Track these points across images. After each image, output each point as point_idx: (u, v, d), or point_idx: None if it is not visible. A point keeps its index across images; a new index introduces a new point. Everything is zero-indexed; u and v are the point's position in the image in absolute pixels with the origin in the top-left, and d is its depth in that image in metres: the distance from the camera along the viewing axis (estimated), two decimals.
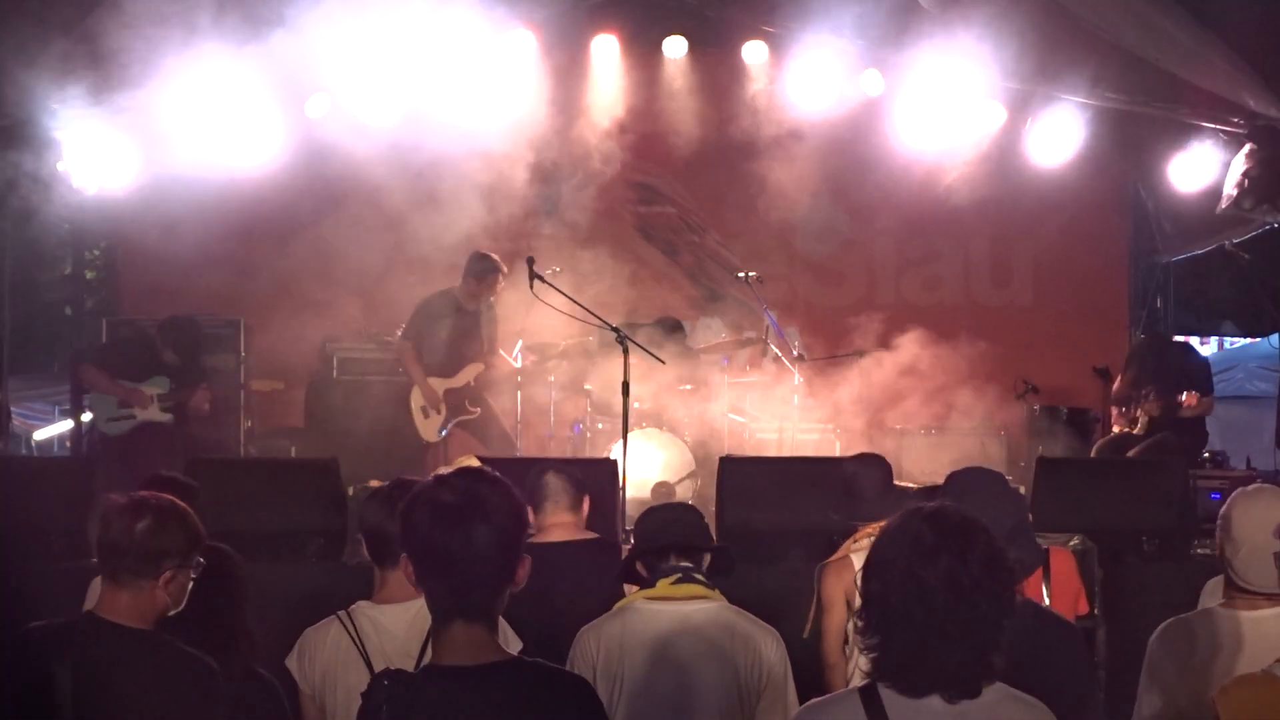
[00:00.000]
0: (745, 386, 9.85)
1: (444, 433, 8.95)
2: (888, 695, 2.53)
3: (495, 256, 9.02)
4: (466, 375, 9.00)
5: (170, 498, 3.36)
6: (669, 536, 4.12)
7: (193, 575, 3.30)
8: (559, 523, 5.05)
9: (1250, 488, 3.72)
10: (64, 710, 3.02)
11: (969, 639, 2.49)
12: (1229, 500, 3.68)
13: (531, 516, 5.09)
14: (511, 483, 2.60)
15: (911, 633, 2.50)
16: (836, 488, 5.23)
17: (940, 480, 3.85)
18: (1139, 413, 8.89)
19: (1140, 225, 11.72)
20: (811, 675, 4.37)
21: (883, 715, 2.52)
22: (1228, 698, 3.02)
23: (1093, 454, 9.15)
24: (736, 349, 9.95)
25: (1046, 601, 4.43)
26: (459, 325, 8.98)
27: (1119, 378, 9.35)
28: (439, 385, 8.92)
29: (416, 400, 8.92)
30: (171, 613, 3.27)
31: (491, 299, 9.07)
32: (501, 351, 9.24)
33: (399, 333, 9.34)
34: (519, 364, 9.44)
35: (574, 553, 4.92)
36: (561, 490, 5.09)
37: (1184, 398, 8.53)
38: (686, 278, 11.55)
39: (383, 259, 9.82)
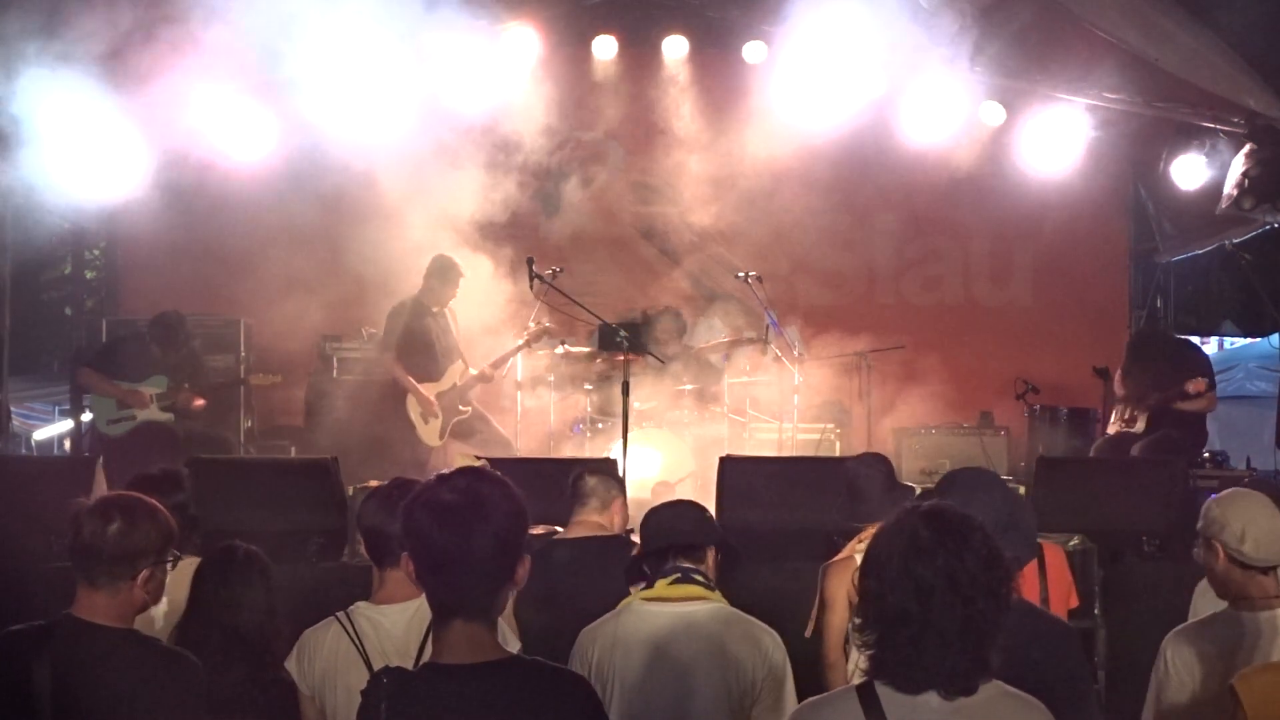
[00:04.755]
0: (745, 386, 9.85)
1: (444, 437, 8.95)
2: (885, 692, 2.54)
3: (454, 258, 9.02)
4: (452, 376, 9.03)
5: (138, 496, 3.35)
6: (667, 538, 4.11)
7: (169, 570, 3.30)
8: (580, 520, 5.11)
9: (1226, 493, 3.82)
10: (43, 711, 3.02)
11: (965, 636, 2.50)
12: (1207, 507, 3.77)
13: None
14: (513, 482, 2.60)
15: (908, 630, 2.51)
16: (837, 488, 5.21)
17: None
18: (1139, 410, 8.85)
19: (1140, 225, 11.73)
20: (811, 675, 4.37)
21: (880, 712, 2.52)
22: (1248, 684, 3.01)
23: (1092, 454, 9.13)
24: (736, 349, 9.95)
25: (1045, 596, 4.43)
26: (433, 329, 9.00)
27: (1120, 373, 9.31)
28: (430, 390, 8.92)
29: (414, 408, 8.90)
30: (151, 609, 3.27)
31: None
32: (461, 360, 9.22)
33: (378, 346, 9.29)
34: (518, 367, 9.45)
35: (589, 549, 4.96)
36: (590, 492, 5.18)
37: (1190, 385, 8.49)
38: (686, 278, 11.55)
39: (382, 259, 9.80)
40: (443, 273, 8.95)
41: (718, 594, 4.03)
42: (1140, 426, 8.82)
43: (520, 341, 9.11)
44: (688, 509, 4.27)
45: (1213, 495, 3.87)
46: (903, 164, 10.63)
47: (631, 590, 4.22)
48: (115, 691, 3.10)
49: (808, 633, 4.65)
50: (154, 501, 3.34)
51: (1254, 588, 3.66)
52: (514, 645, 3.54)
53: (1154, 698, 3.73)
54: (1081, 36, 8.92)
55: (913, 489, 5.70)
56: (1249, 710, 2.97)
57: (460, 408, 9.05)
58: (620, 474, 6.94)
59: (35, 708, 3.02)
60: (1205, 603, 4.34)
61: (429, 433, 8.91)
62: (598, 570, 4.66)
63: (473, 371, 9.13)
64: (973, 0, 8.73)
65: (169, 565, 3.29)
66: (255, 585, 3.86)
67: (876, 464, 5.08)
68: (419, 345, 8.93)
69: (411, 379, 8.87)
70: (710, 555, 4.14)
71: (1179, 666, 3.64)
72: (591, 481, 5.22)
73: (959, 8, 8.77)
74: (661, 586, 3.95)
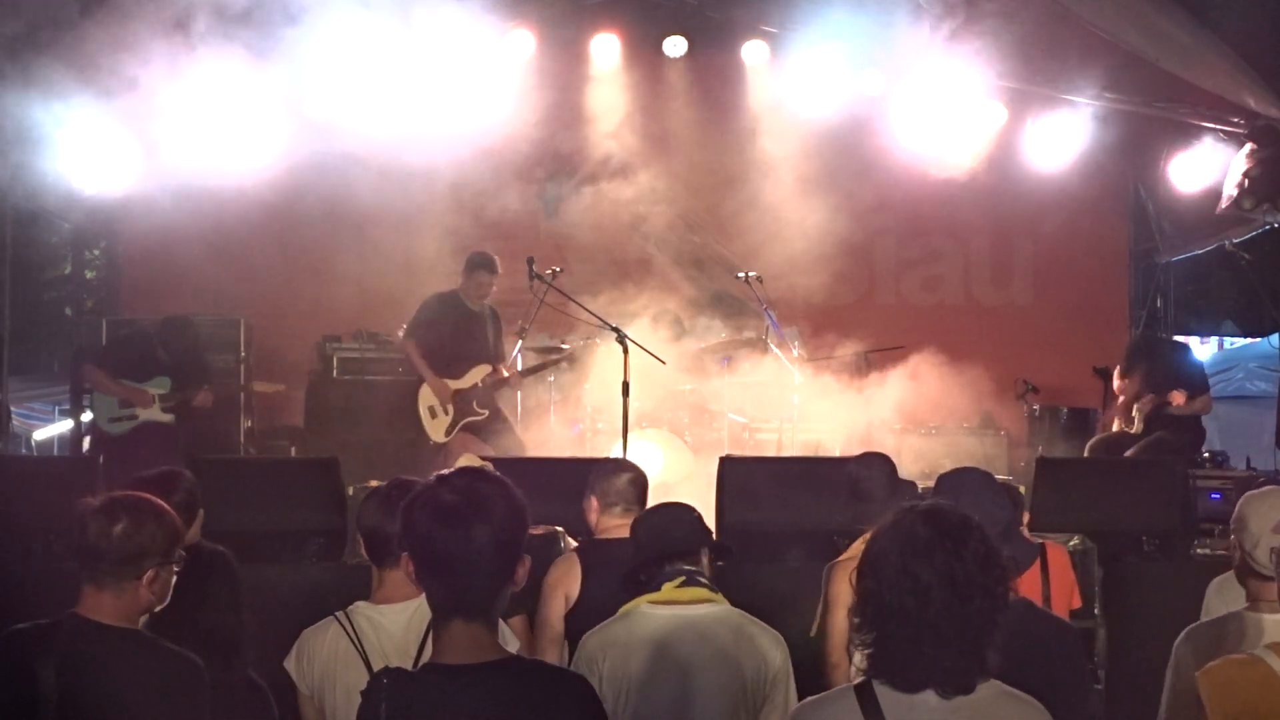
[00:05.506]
0: (745, 386, 9.84)
1: (451, 435, 8.88)
2: (883, 691, 2.54)
3: (489, 253, 8.93)
4: (473, 377, 8.87)
5: (145, 496, 3.33)
6: (666, 543, 4.09)
7: (175, 570, 3.28)
8: (614, 524, 5.02)
9: (1261, 490, 3.79)
10: (48, 710, 3.01)
11: (963, 635, 2.50)
12: (1241, 501, 3.74)
13: (594, 517, 5.06)
14: (515, 482, 2.60)
15: (906, 629, 2.51)
16: (837, 488, 5.19)
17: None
18: (1135, 412, 8.88)
19: (1140, 225, 11.74)
20: (812, 675, 4.36)
21: (878, 711, 2.52)
22: (1209, 675, 3.05)
23: (1086, 453, 9.13)
24: (736, 349, 9.94)
25: (1047, 596, 4.43)
26: (463, 326, 8.87)
27: (1115, 379, 9.33)
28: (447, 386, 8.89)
29: (424, 400, 8.81)
30: (156, 609, 3.26)
31: (488, 301, 9.01)
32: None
33: (400, 331, 9.25)
34: (519, 364, 9.43)
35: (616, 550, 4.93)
36: (621, 494, 5.04)
37: (1173, 396, 8.54)
38: (686, 278, 11.55)
39: (382, 259, 9.82)
40: (466, 267, 8.85)
41: (721, 596, 4.03)
42: (1138, 428, 8.83)
43: (560, 355, 9.06)
44: (680, 512, 4.24)
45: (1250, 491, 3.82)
46: (902, 163, 10.62)
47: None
48: (120, 691, 3.09)
49: (813, 632, 4.64)
50: (160, 502, 3.32)
51: (1261, 590, 3.67)
52: (513, 645, 3.55)
53: (1164, 695, 3.75)
54: (1081, 36, 8.92)
55: (914, 484, 5.68)
56: (1207, 700, 3.01)
57: (477, 408, 8.85)
58: None
59: (40, 707, 3.02)
60: (1219, 601, 4.34)
61: (435, 428, 8.80)
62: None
63: (505, 374, 9.04)
64: (972, 0, 8.74)
65: (175, 565, 3.28)
66: (221, 585, 3.82)
67: (878, 464, 5.04)
68: (440, 339, 8.80)
69: (427, 365, 8.75)
70: (705, 557, 4.14)
71: (1175, 664, 3.66)
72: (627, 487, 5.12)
73: (958, 7, 8.77)
74: (669, 590, 3.93)
